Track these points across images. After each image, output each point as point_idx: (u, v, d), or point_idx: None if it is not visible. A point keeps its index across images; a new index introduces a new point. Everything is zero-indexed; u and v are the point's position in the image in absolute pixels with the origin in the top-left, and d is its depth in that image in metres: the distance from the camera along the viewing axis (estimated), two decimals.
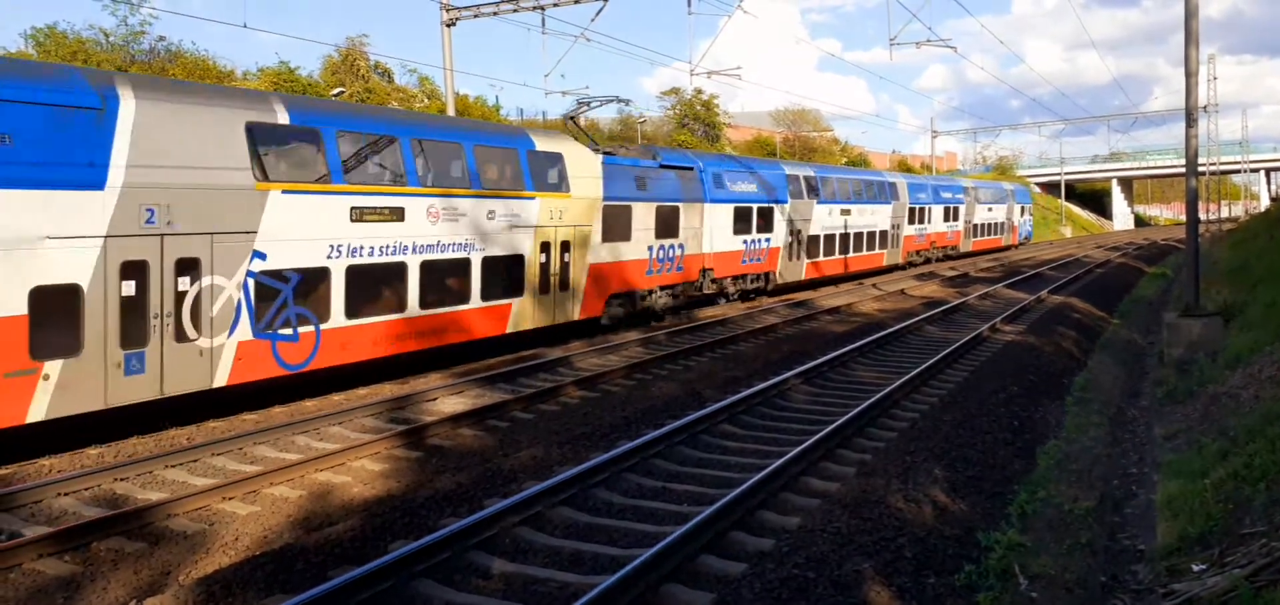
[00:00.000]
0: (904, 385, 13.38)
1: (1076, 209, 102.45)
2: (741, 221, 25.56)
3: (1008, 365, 15.52)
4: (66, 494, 9.20)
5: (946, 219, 43.38)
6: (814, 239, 30.04)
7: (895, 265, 37.74)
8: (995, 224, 52.26)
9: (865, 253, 34.28)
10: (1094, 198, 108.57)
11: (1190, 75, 17.24)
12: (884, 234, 36.00)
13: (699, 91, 61.43)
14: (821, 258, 30.83)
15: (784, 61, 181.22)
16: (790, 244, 28.50)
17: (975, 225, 48.03)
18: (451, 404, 13.27)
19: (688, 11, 24.26)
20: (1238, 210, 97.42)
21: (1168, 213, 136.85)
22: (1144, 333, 21.42)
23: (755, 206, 26.29)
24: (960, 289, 30.53)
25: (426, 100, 41.56)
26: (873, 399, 12.26)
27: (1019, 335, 18.83)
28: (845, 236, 32.39)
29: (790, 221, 28.28)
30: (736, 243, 25.35)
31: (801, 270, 29.36)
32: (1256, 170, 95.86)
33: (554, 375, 15.38)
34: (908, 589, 6.73)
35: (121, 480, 9.67)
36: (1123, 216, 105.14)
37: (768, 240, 27.13)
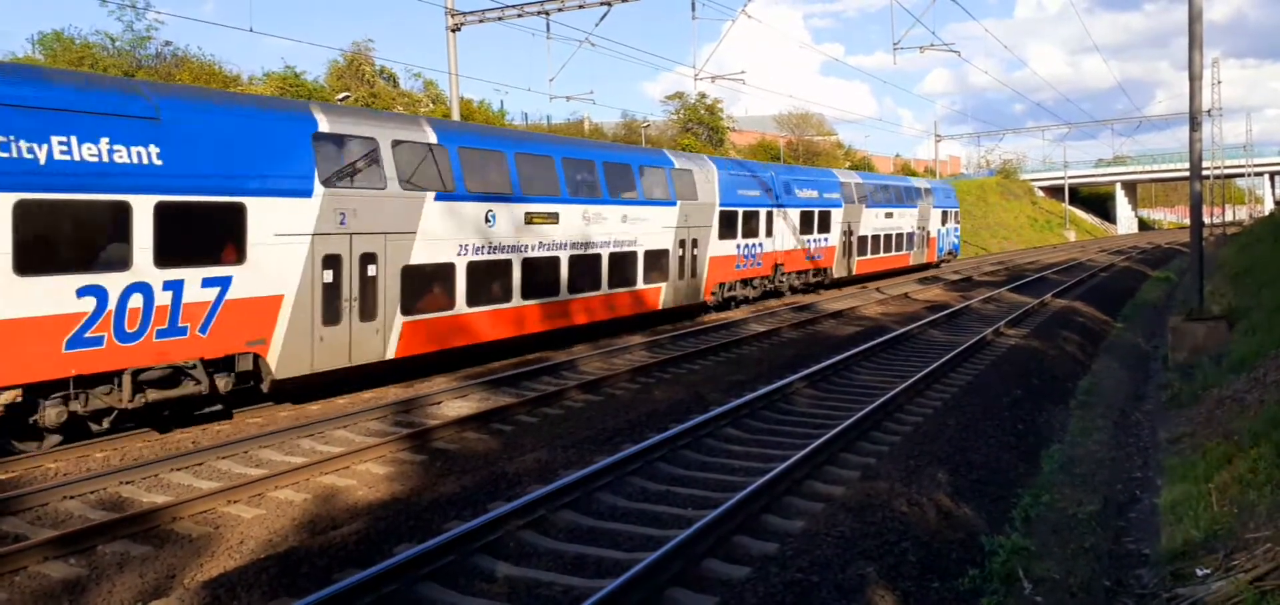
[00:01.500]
0: (908, 389, 13.37)
1: (1080, 213, 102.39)
2: (67, 242, 10.63)
3: (1011, 369, 15.50)
4: (72, 497, 9.23)
5: (808, 229, 29.97)
6: (437, 274, 15.12)
7: (688, 304, 23.26)
8: (899, 236, 38.01)
9: (607, 290, 19.64)
10: (1098, 201, 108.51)
11: (1194, 79, 17.24)
12: (657, 257, 21.50)
13: (703, 96, 61.71)
14: (467, 308, 15.72)
15: (787, 66, 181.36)
16: (327, 292, 13.34)
17: (863, 238, 34.34)
18: (456, 407, 13.29)
19: (691, 17, 24.31)
20: (1242, 214, 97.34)
21: (1172, 216, 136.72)
22: (1148, 337, 21.40)
23: (171, 202, 11.37)
24: (964, 293, 30.57)
25: (431, 105, 41.66)
26: (876, 403, 12.26)
27: (1022, 339, 18.82)
28: (546, 264, 17.71)
29: (320, 241, 13.18)
30: (44, 305, 10.22)
31: (385, 342, 14.11)
32: (1260, 174, 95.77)
33: (558, 379, 15.39)
34: (912, 593, 6.73)
35: (127, 483, 9.70)
36: (1126, 220, 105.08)
37: (219, 286, 11.97)
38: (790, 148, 71.60)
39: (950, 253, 45.97)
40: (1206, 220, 42.59)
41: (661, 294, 21.84)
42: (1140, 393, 15.17)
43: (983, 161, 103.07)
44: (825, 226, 31.27)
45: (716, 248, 24.37)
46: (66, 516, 8.83)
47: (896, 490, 8.62)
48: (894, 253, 37.72)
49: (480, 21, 24.85)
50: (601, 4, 23.29)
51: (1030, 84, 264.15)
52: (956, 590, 6.93)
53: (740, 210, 25.58)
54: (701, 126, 61.06)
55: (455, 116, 25.96)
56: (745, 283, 26.54)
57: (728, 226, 24.93)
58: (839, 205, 32.33)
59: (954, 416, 11.94)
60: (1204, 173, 25.18)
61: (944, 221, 44.16)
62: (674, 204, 22.34)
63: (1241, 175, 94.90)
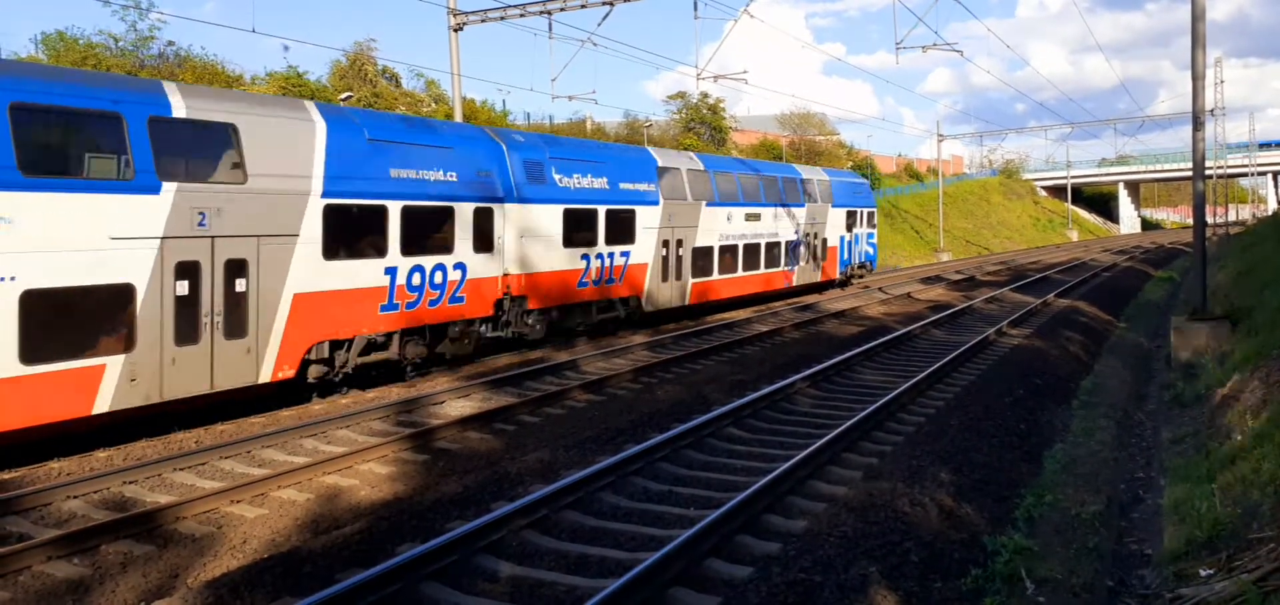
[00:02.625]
0: (910, 389, 13.36)
1: (1083, 212, 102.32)
2: None
3: (1014, 369, 15.49)
4: (75, 497, 9.24)
5: (587, 238, 19.54)
6: None
7: (212, 394, 11.87)
8: (771, 246, 27.07)
9: None
10: (1100, 201, 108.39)
11: (1197, 78, 17.21)
12: (71, 306, 10.26)
13: (705, 95, 61.59)
14: None
15: (789, 65, 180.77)
16: None
17: (705, 249, 23.83)
18: (458, 407, 13.30)
19: (694, 16, 24.28)
20: (1245, 214, 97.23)
21: (1175, 216, 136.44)
22: (1151, 337, 21.38)
23: None
24: (966, 293, 30.54)
25: (433, 105, 41.69)
26: (879, 402, 12.25)
27: (1025, 339, 18.80)
28: None
29: None
30: None
31: None
32: (1264, 173, 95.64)
33: (560, 378, 15.40)
34: (914, 593, 6.73)
35: (130, 483, 9.71)
36: (1129, 220, 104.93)
37: None
38: (793, 147, 71.54)
39: (862, 266, 34.12)
40: (1210, 220, 42.28)
41: (113, 382, 10.67)
42: (1143, 393, 15.16)
43: (985, 161, 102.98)
44: (626, 233, 20.78)
45: (318, 277, 13.27)
46: (70, 516, 8.85)
47: (899, 490, 8.62)
48: (762, 269, 26.73)
49: (482, 21, 24.85)
50: (603, 4, 23.29)
51: (1032, 83, 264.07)
52: (959, 590, 6.93)
53: (396, 206, 14.60)
54: (704, 126, 61.00)
55: (458, 116, 25.90)
56: (415, 332, 15.33)
57: (357, 236, 14.07)
58: (654, 201, 21.78)
59: (957, 416, 11.93)
60: (1207, 172, 25.11)
61: (850, 225, 32.46)
62: (156, 190, 11.15)
63: (1245, 175, 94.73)
